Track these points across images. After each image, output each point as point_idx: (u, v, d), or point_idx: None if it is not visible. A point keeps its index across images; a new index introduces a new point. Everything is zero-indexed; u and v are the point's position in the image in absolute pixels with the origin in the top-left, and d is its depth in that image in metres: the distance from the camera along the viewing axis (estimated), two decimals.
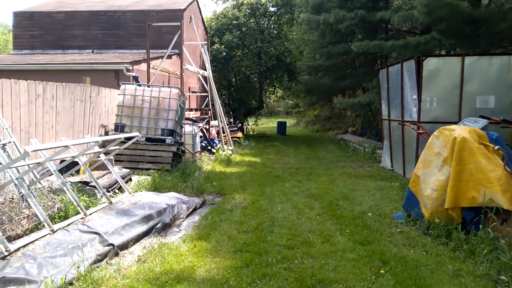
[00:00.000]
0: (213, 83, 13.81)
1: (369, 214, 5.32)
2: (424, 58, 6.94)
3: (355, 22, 12.84)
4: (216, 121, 13.52)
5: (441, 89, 7.00)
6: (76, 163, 5.58)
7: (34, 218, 4.08)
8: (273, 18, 22.71)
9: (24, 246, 3.59)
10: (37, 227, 4.09)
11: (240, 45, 20.72)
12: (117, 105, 8.85)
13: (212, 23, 21.52)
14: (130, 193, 5.85)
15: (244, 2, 21.03)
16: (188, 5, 16.08)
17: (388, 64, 9.50)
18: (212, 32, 20.90)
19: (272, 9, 22.26)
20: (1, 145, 4.60)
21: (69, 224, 4.24)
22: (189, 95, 15.46)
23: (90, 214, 4.62)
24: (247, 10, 20.89)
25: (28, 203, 4.13)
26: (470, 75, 6.90)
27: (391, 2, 16.01)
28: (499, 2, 14.96)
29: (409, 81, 7.52)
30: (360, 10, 12.64)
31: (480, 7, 12.47)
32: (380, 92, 9.75)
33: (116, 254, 3.90)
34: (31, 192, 4.24)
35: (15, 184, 4.38)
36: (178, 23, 11.96)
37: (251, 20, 21.39)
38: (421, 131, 6.60)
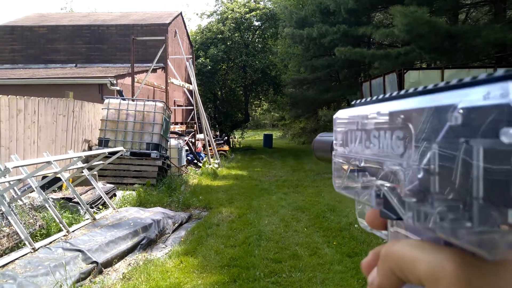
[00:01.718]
0: (199, 96, 13.83)
1: (355, 225, 5.35)
2: (405, 71, 7.13)
3: (338, 36, 13.11)
4: (202, 134, 13.49)
5: None
6: (59, 179, 5.46)
7: (15, 236, 3.96)
8: (257, 32, 23.00)
9: (4, 266, 3.47)
10: (18, 245, 3.97)
11: (225, 59, 20.87)
12: (101, 120, 8.74)
13: (197, 37, 21.66)
14: (114, 208, 5.75)
15: (229, 16, 21.27)
16: (173, 20, 16.17)
17: (371, 77, 9.70)
18: (197, 46, 21.01)
19: (256, 23, 22.57)
20: None
21: (51, 242, 4.13)
22: (175, 109, 15.41)
23: (73, 231, 4.51)
24: (231, 24, 21.12)
25: (9, 221, 4.01)
26: None
27: (372, 17, 16.45)
28: (474, 18, 15.55)
29: None
30: (342, 25, 12.93)
31: (457, 23, 12.93)
32: None
33: (100, 272, 3.80)
34: (12, 210, 4.12)
35: None
36: (163, 37, 11.99)
37: (236, 34, 21.61)
38: None
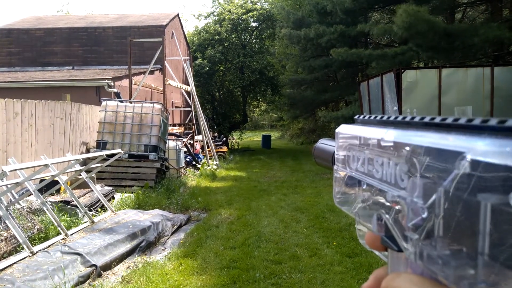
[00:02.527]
0: (197, 98, 13.81)
1: (355, 226, 5.34)
2: (403, 70, 7.13)
3: (335, 36, 13.12)
4: (201, 135, 13.47)
5: (420, 100, 7.19)
6: (57, 182, 5.43)
7: (13, 240, 3.94)
8: (254, 33, 23.00)
9: (2, 270, 3.44)
10: (16, 249, 3.94)
11: (223, 60, 20.86)
12: (98, 122, 8.71)
13: (194, 39, 21.64)
14: (113, 211, 5.72)
15: (226, 17, 21.26)
16: (170, 21, 16.15)
17: (368, 77, 9.71)
18: (194, 47, 21.00)
19: (253, 24, 22.57)
20: None
21: (49, 246, 4.10)
22: (173, 110, 15.39)
23: (71, 235, 4.49)
24: (228, 25, 21.11)
25: (6, 225, 3.98)
26: (447, 87, 7.12)
27: (369, 17, 16.47)
28: (471, 17, 15.59)
29: (389, 93, 7.70)
30: (340, 25, 12.94)
31: (454, 22, 12.96)
32: (362, 105, 9.93)
33: (99, 275, 3.78)
34: (10, 213, 4.10)
35: None
36: (160, 39, 11.97)
37: (233, 35, 21.61)
38: None
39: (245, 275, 3.75)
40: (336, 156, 0.42)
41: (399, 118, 0.31)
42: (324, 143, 0.55)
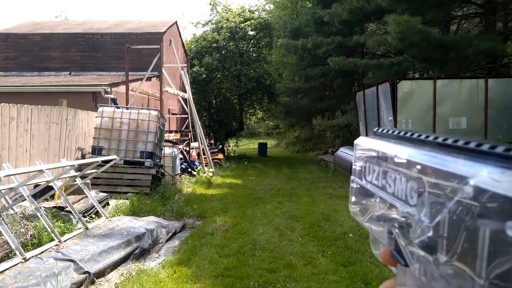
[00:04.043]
0: (193, 105, 13.83)
1: (350, 235, 5.34)
2: (398, 81, 7.20)
3: (332, 47, 13.24)
4: (197, 142, 13.46)
5: (415, 110, 7.25)
6: (51, 188, 5.40)
7: (5, 246, 3.90)
8: (252, 41, 23.16)
9: None
10: (8, 255, 3.90)
11: (220, 68, 20.94)
12: (94, 128, 8.70)
13: (192, 46, 21.74)
14: (107, 218, 5.69)
15: (224, 26, 21.41)
16: (168, 28, 16.23)
17: (364, 87, 9.79)
18: (192, 55, 21.08)
19: (251, 32, 22.73)
20: None
21: (42, 252, 4.07)
22: (169, 117, 15.39)
23: (65, 241, 4.45)
24: (226, 33, 21.25)
25: None
26: (442, 97, 7.19)
27: (366, 27, 16.65)
28: (466, 29, 15.82)
29: (385, 103, 7.76)
30: (337, 36, 13.07)
31: (449, 34, 13.14)
32: (358, 114, 10.00)
33: (92, 282, 3.75)
34: (3, 219, 4.06)
35: None
36: (158, 46, 12.01)
37: (231, 43, 21.73)
38: None
39: (240, 283, 3.73)
40: (353, 166, 0.43)
41: (415, 136, 0.32)
42: (344, 151, 0.56)
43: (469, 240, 0.22)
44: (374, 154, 0.37)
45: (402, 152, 0.32)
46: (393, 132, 0.37)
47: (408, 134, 0.33)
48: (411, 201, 0.29)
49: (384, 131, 0.38)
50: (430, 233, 0.26)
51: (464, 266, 0.23)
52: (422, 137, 0.31)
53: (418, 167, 0.29)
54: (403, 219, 0.30)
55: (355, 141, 0.43)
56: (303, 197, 8.64)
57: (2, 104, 5.99)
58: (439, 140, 0.29)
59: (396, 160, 0.32)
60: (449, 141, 0.28)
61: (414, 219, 0.28)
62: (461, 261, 0.23)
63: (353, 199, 0.43)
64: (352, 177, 0.43)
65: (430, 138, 0.30)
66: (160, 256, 4.77)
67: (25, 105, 6.61)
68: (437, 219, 0.25)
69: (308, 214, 6.74)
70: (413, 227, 0.28)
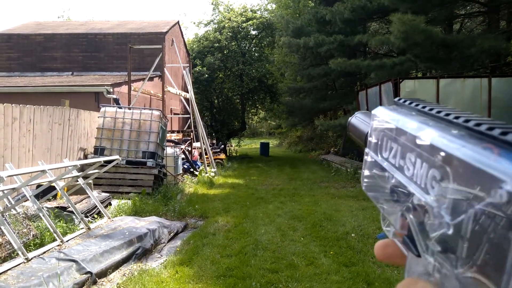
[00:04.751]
0: (195, 104, 13.83)
1: (352, 235, 5.32)
2: (401, 80, 7.17)
3: (334, 46, 13.21)
4: (199, 142, 13.47)
5: None
6: (53, 188, 5.41)
7: (8, 246, 3.91)
8: (254, 41, 23.14)
9: None
10: (11, 255, 3.91)
11: (222, 67, 20.94)
12: (97, 128, 8.71)
13: (194, 46, 21.75)
14: (109, 218, 5.69)
15: (226, 25, 21.40)
16: (170, 28, 16.25)
17: (367, 86, 9.76)
18: (194, 55, 21.09)
19: (253, 32, 22.71)
20: None
21: (44, 252, 4.07)
22: (171, 117, 15.40)
23: (67, 241, 4.46)
24: (228, 33, 21.24)
25: (1, 231, 3.95)
26: (445, 97, 7.16)
27: (368, 26, 16.61)
28: (469, 28, 15.74)
29: (388, 103, 7.73)
30: (339, 35, 13.04)
31: (452, 33, 13.09)
32: None
33: (94, 283, 3.75)
34: (5, 219, 4.07)
35: None
36: (160, 46, 12.02)
37: (233, 43, 21.73)
38: None
39: (242, 283, 3.72)
40: (369, 138, 0.39)
41: (443, 113, 0.28)
42: (359, 118, 0.51)
43: (495, 250, 0.20)
44: (394, 129, 0.33)
45: (425, 134, 0.28)
46: (417, 104, 0.32)
47: (435, 111, 0.29)
48: (431, 191, 0.26)
49: (407, 102, 0.34)
50: (450, 231, 0.23)
51: (486, 278, 0.20)
52: (451, 117, 0.27)
53: (443, 154, 0.25)
54: (420, 207, 0.27)
55: (373, 111, 0.39)
56: (305, 197, 8.62)
57: (5, 104, 6.01)
58: (471, 124, 0.25)
59: (418, 141, 0.29)
60: (483, 128, 0.24)
61: (433, 211, 0.25)
62: (483, 271, 0.21)
63: (366, 172, 0.39)
64: (366, 150, 0.39)
65: (460, 120, 0.26)
66: (162, 256, 4.77)
67: (27, 105, 6.63)
68: (460, 218, 0.22)
69: (310, 214, 6.73)
70: (431, 219, 0.25)
